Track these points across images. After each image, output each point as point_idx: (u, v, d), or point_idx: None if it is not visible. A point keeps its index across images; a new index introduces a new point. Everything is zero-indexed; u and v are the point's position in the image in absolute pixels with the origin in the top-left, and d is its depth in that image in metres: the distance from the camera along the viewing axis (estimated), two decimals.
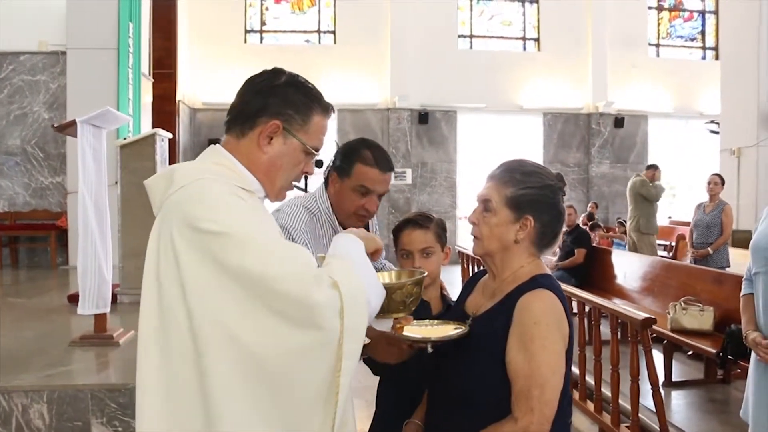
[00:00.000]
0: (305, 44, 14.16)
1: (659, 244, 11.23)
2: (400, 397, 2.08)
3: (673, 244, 9.21)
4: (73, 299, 4.82)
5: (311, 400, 1.33)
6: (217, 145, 1.52)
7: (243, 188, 1.44)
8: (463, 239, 12.02)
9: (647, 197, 8.58)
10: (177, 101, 11.27)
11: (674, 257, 8.29)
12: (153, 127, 8.29)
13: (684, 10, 15.63)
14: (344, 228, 2.14)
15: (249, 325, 1.29)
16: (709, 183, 7.13)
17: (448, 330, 1.70)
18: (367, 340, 1.61)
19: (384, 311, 1.56)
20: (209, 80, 13.14)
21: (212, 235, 1.30)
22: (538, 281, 1.67)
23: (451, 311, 2.03)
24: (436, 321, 1.81)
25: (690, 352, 6.01)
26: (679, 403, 5.00)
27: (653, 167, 8.86)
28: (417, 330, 1.70)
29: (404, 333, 1.64)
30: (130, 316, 4.45)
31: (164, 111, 9.97)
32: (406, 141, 14.06)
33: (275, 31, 14.10)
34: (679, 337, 5.03)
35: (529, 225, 1.69)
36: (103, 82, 7.37)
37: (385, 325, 1.64)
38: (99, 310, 3.72)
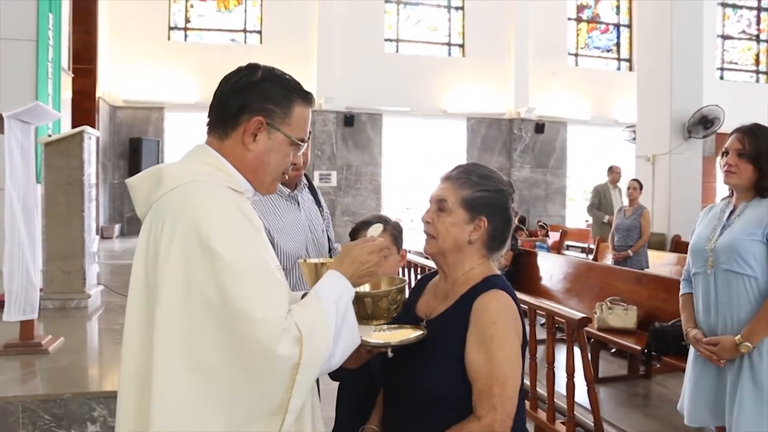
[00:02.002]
0: (231, 43, 13.91)
1: (578, 247, 11.70)
2: (362, 402, 2.07)
3: (593, 246, 9.57)
4: None
5: (251, 422, 1.33)
6: (203, 144, 1.48)
7: (233, 189, 1.41)
8: None
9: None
10: (97, 98, 10.82)
11: (595, 259, 8.61)
12: (72, 125, 7.94)
13: (600, 23, 16.31)
14: (285, 184, 2.15)
15: (207, 342, 1.28)
16: (628, 188, 7.47)
17: (406, 333, 1.71)
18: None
19: (368, 318, 1.56)
20: (131, 77, 12.71)
21: (213, 253, 1.28)
22: (492, 282, 1.72)
23: (403, 315, 2.04)
24: (393, 325, 1.80)
25: (613, 350, 6.27)
26: (605, 398, 5.20)
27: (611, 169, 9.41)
28: (375, 335, 1.70)
29: (363, 338, 1.64)
30: (56, 323, 4.24)
31: (83, 108, 9.53)
32: (331, 143, 14.03)
33: (200, 29, 13.78)
34: (606, 335, 5.24)
35: (482, 226, 1.74)
36: (20, 75, 6.96)
37: (367, 332, 1.64)
38: (26, 316, 3.51)
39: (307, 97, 1.52)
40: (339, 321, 1.41)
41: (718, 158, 2.74)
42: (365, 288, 1.70)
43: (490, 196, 1.75)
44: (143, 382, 1.31)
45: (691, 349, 2.79)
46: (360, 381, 2.06)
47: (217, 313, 1.26)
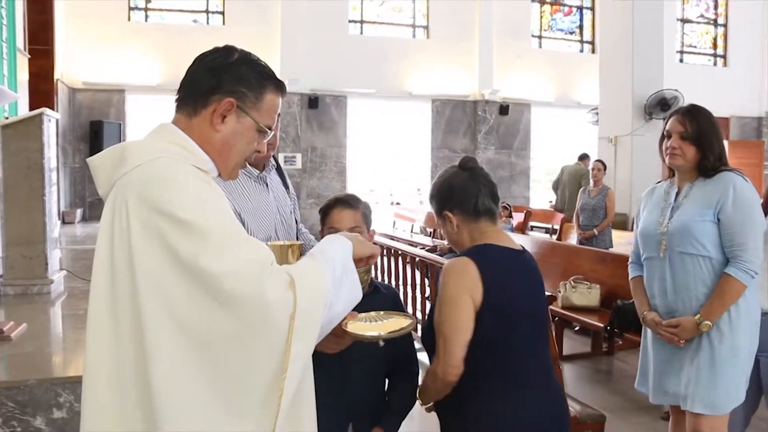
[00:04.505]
0: (193, 24, 13.64)
1: (542, 227, 11.84)
2: (329, 383, 2.07)
3: (557, 227, 9.72)
4: None
5: (253, 395, 1.32)
6: (168, 123, 1.47)
7: (198, 168, 1.40)
8: None
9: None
10: (55, 80, 10.54)
11: (559, 239, 8.75)
12: (30, 107, 7.74)
13: (564, 5, 16.42)
14: (254, 165, 2.14)
15: (195, 313, 1.27)
16: (593, 169, 7.60)
17: (396, 324, 1.73)
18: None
19: None
20: (90, 59, 12.40)
21: (176, 221, 1.26)
22: (468, 251, 2.00)
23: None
24: (382, 312, 1.82)
25: (577, 328, 6.40)
26: (569, 375, 5.31)
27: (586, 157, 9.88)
28: (366, 325, 1.69)
29: (353, 330, 1.62)
30: (18, 309, 4.15)
31: (41, 90, 9.27)
32: (296, 125, 13.93)
33: (161, 10, 13.46)
34: (570, 313, 5.34)
35: (450, 215, 2.06)
36: None
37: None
38: None
39: (279, 86, 1.52)
40: (338, 271, 1.40)
41: (664, 142, 2.75)
42: None
43: (436, 194, 2.12)
44: (128, 370, 1.30)
45: (647, 331, 2.86)
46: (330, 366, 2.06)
47: (201, 280, 1.25)
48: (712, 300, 2.58)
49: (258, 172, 2.18)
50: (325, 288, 1.35)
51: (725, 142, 3.49)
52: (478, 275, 1.90)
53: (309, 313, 1.31)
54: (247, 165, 2.13)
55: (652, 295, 2.79)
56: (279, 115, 2.17)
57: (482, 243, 2.01)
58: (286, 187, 2.39)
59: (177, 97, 1.49)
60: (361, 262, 1.55)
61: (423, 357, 6.14)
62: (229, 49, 1.48)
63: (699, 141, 2.62)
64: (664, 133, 2.74)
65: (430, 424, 2.50)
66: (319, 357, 1.47)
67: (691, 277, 2.63)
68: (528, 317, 1.99)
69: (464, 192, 2.06)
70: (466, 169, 2.11)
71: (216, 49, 1.49)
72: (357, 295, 1.47)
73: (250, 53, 1.50)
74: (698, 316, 2.59)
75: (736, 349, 2.59)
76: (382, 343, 1.66)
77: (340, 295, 1.40)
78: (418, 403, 2.11)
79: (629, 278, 2.95)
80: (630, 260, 2.97)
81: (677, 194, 2.72)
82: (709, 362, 2.60)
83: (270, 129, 1.51)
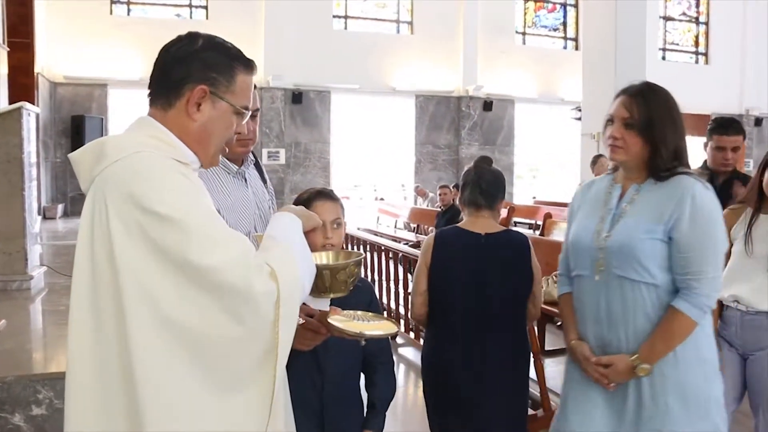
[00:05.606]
0: (176, 18, 13.55)
1: (526, 223, 11.90)
2: (304, 380, 2.06)
3: (540, 223, 9.76)
4: None
5: (245, 385, 1.33)
6: (147, 116, 1.45)
7: (179, 161, 1.39)
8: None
9: None
10: (35, 74, 10.42)
11: (542, 234, 8.78)
12: (9, 101, 7.65)
13: (548, 2, 16.51)
14: (233, 160, 2.13)
15: (183, 307, 1.26)
16: (601, 165, 7.37)
17: (380, 326, 1.72)
18: (301, 321, 1.60)
19: (326, 291, 1.56)
20: (72, 52, 12.29)
21: (157, 216, 1.25)
22: (439, 229, 2.81)
23: None
24: (370, 314, 1.81)
25: (559, 323, 6.43)
26: (551, 369, 5.32)
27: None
28: (351, 323, 1.68)
29: (337, 325, 1.61)
30: None
31: (20, 84, 9.15)
32: (279, 121, 13.90)
33: (144, 3, 13.38)
34: (552, 308, 5.37)
35: (460, 205, 2.74)
36: None
37: (323, 305, 1.64)
38: None
39: (249, 65, 1.49)
40: (300, 251, 1.44)
41: (605, 129, 2.11)
42: (324, 260, 1.71)
43: None
44: (112, 369, 1.28)
45: (571, 363, 2.21)
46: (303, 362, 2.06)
47: (190, 274, 1.25)
48: (654, 339, 1.97)
49: (236, 167, 2.16)
50: (299, 274, 1.39)
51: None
52: (432, 246, 2.59)
53: (291, 301, 1.35)
54: (227, 160, 2.11)
55: (583, 320, 2.14)
56: (258, 109, 2.16)
57: (455, 225, 2.66)
58: (264, 181, 2.38)
59: (149, 92, 1.47)
60: (310, 234, 1.58)
61: (405, 352, 6.09)
62: (192, 36, 1.46)
63: (649, 131, 1.98)
64: (607, 117, 2.09)
65: (414, 423, 2.53)
66: (293, 353, 1.47)
67: (630, 306, 2.01)
68: (467, 284, 2.52)
69: (462, 186, 2.70)
70: (475, 167, 2.70)
71: (180, 38, 1.46)
72: (313, 270, 1.50)
73: (214, 36, 1.48)
74: (635, 357, 1.98)
75: (687, 399, 1.98)
76: (363, 342, 1.66)
77: (306, 277, 1.44)
78: (401, 398, 2.16)
79: (557, 294, 2.30)
80: (559, 271, 2.30)
81: (620, 197, 2.09)
82: (643, 416, 2.00)
83: (247, 109, 1.49)
